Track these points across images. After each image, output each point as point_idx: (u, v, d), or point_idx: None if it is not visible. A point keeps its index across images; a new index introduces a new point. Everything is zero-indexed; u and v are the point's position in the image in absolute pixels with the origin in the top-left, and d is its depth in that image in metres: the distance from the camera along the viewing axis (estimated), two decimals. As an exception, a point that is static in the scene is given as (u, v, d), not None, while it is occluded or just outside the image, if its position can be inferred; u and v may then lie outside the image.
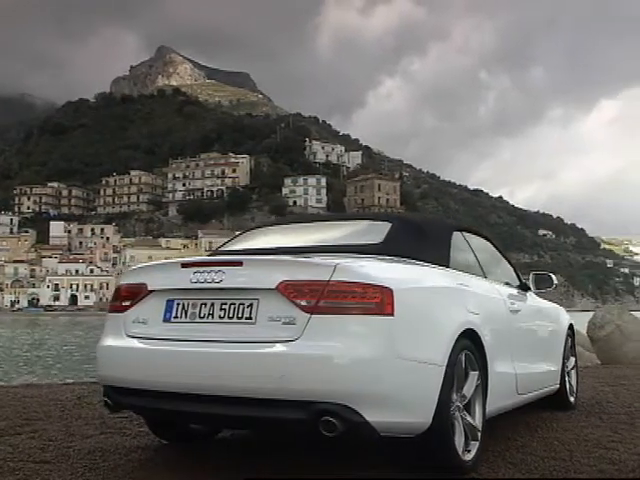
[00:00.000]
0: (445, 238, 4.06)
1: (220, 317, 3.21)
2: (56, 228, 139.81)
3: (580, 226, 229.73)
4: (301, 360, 2.93)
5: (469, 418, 3.42)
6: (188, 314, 3.29)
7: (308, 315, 2.98)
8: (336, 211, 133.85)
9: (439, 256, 3.82)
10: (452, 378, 3.24)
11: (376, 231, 3.90)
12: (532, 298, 4.97)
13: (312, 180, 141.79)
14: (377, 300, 2.99)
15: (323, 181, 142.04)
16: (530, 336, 4.72)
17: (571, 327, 5.64)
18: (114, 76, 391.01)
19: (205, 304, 3.26)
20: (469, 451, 3.37)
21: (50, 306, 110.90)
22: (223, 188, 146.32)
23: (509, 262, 5.05)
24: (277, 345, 2.99)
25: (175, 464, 3.62)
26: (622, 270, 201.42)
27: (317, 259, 3.27)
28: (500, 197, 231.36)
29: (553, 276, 5.16)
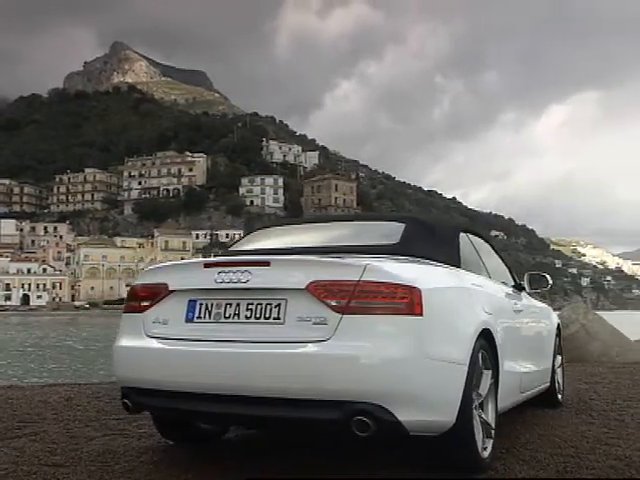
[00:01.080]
0: (454, 239, 4.10)
1: (247, 317, 3.17)
2: (7, 226, 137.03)
3: (530, 227, 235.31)
4: (334, 360, 2.92)
5: (484, 416, 3.47)
6: (212, 314, 3.25)
7: (340, 315, 2.98)
8: (293, 210, 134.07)
9: (451, 256, 3.85)
10: (473, 377, 3.29)
11: (391, 232, 3.93)
12: (526, 298, 5.04)
13: (269, 180, 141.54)
14: (406, 300, 3.00)
15: (280, 181, 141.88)
16: (529, 335, 4.81)
17: (558, 326, 5.78)
18: (67, 72, 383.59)
19: (230, 304, 3.22)
20: (485, 449, 3.43)
21: (1, 306, 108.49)
22: (179, 187, 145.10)
23: (504, 262, 5.10)
24: (309, 345, 2.98)
25: (188, 465, 3.56)
26: (570, 270, 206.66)
27: (347, 259, 3.25)
28: (454, 198, 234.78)
29: (548, 276, 5.20)
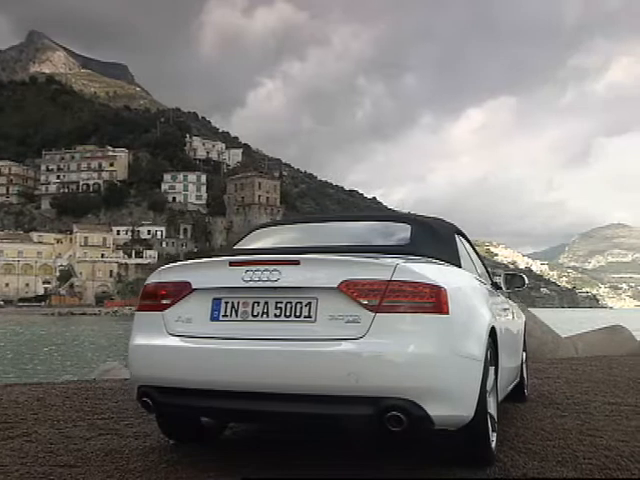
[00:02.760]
0: (453, 239, 4.22)
1: (276, 315, 3.19)
2: None
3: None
4: (369, 357, 2.99)
5: (490, 410, 3.59)
6: (239, 313, 3.26)
7: (372, 314, 3.04)
8: (216, 208, 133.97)
9: (453, 257, 3.96)
10: (486, 373, 3.43)
11: (399, 232, 4.04)
12: (504, 296, 5.16)
13: (192, 177, 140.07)
14: (434, 299, 3.09)
15: (203, 178, 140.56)
16: (512, 332, 4.94)
17: (525, 324, 6.03)
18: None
19: (258, 303, 3.23)
20: (492, 441, 3.57)
21: None
22: (100, 182, 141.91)
23: (483, 262, 5.14)
24: (344, 343, 3.03)
25: (204, 464, 3.55)
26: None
27: (377, 259, 3.32)
28: (374, 198, 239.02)
29: (524, 276, 5.32)
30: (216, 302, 3.33)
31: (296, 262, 3.22)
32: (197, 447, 3.95)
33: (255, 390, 3.11)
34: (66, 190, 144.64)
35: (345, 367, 2.98)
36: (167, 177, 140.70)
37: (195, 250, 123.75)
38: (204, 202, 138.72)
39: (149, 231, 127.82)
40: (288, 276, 3.18)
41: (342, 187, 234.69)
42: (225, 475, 3.33)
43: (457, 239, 4.31)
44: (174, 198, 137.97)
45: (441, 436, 3.32)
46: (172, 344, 3.34)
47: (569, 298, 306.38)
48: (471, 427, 3.25)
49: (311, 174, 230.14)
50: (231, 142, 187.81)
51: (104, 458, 3.70)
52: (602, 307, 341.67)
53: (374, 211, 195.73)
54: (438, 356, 3.06)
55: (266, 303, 3.22)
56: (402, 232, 4.03)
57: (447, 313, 3.10)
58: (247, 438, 4.41)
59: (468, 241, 4.86)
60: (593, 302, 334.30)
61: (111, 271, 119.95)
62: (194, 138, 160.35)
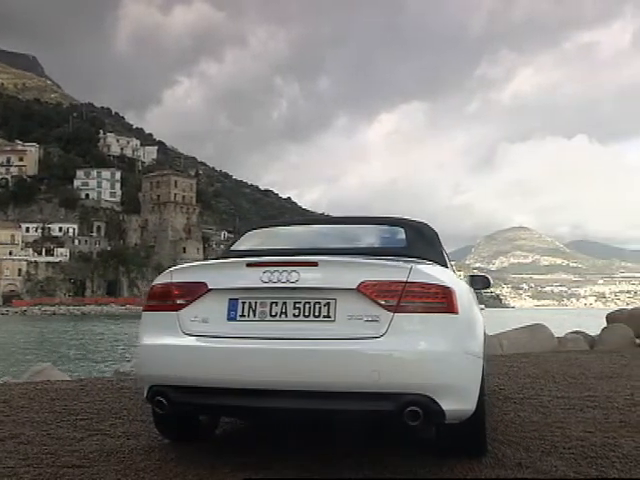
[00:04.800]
0: (439, 242, 4.40)
1: (295, 316, 3.25)
2: None
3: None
4: (390, 355, 3.11)
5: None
6: (257, 313, 3.30)
7: (391, 314, 3.16)
8: (131, 206, 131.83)
9: (441, 259, 4.13)
10: (483, 369, 3.62)
11: (395, 235, 4.21)
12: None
13: (106, 173, 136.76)
14: (446, 300, 3.24)
15: (118, 175, 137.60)
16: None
17: None
18: None
19: (276, 303, 3.28)
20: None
21: None
22: (8, 177, 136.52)
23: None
24: (365, 341, 3.13)
25: (209, 461, 3.59)
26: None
27: (393, 261, 3.45)
28: (289, 198, 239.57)
29: (489, 277, 5.36)
30: (232, 302, 3.38)
31: (314, 263, 3.32)
32: (198, 445, 4.01)
33: (277, 388, 3.18)
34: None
35: (368, 365, 3.10)
36: (80, 173, 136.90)
37: (109, 248, 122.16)
38: (118, 200, 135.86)
39: (60, 228, 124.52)
40: (307, 277, 3.27)
41: (257, 187, 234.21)
42: (239, 470, 3.41)
43: (440, 242, 4.49)
44: (87, 195, 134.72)
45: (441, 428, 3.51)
46: (189, 344, 3.37)
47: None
48: (472, 420, 3.42)
49: (226, 173, 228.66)
50: (146, 139, 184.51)
51: (107, 458, 3.71)
52: (505, 307, 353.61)
53: (288, 211, 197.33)
54: (451, 354, 3.20)
55: (284, 303, 3.29)
56: (397, 235, 4.22)
57: (457, 313, 3.27)
58: (241, 435, 4.49)
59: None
60: (497, 302, 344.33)
61: (20, 269, 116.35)
62: (108, 134, 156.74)
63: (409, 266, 3.33)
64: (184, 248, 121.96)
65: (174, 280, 3.57)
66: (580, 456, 3.78)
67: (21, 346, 37.42)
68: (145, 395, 3.57)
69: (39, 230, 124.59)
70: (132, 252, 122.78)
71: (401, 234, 4.24)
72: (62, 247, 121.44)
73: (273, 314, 3.30)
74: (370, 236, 4.40)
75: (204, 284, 3.45)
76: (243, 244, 4.50)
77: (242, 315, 3.35)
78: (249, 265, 3.41)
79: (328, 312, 3.24)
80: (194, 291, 3.46)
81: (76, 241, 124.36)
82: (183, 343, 3.38)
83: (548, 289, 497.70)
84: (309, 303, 3.27)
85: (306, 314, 3.26)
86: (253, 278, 3.33)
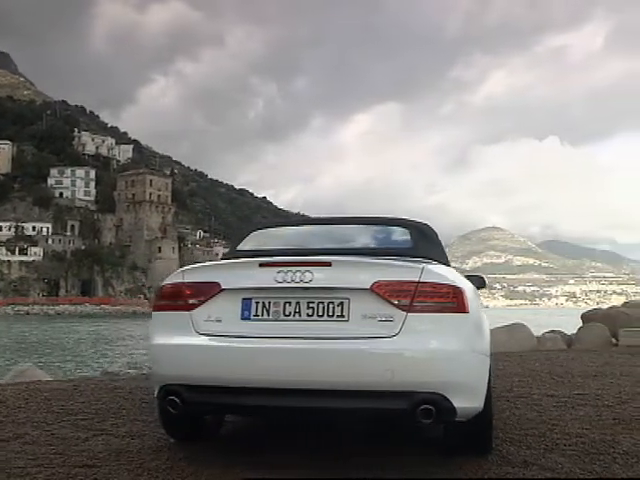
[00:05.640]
0: (440, 242, 4.46)
1: (308, 315, 3.28)
2: None
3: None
4: (404, 354, 3.16)
5: None
6: (270, 312, 3.32)
7: (405, 313, 3.20)
8: (106, 205, 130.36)
9: (444, 258, 4.19)
10: (490, 367, 3.66)
11: (400, 235, 4.26)
12: None
13: (81, 172, 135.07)
14: (457, 300, 3.28)
15: (92, 173, 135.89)
16: None
17: None
18: None
19: (289, 303, 3.30)
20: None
21: None
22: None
23: None
24: (378, 340, 3.17)
25: (221, 461, 3.61)
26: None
27: (405, 261, 3.51)
28: (264, 198, 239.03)
29: (484, 277, 5.35)
30: (246, 302, 3.41)
31: (328, 264, 3.36)
32: (204, 444, 4.03)
33: (292, 387, 3.21)
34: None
35: (383, 364, 3.14)
36: (54, 172, 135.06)
37: (83, 248, 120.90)
38: (93, 198, 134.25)
39: (34, 227, 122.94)
40: (320, 277, 3.31)
41: (232, 186, 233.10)
42: (251, 469, 3.43)
43: (441, 242, 4.55)
44: (61, 194, 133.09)
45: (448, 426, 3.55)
46: (203, 343, 3.39)
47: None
48: (480, 417, 3.47)
49: (202, 172, 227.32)
50: (120, 138, 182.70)
51: (117, 458, 3.70)
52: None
53: (264, 211, 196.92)
54: (463, 353, 3.26)
55: (297, 303, 3.32)
56: (403, 235, 4.28)
57: (468, 312, 3.33)
58: (245, 434, 4.53)
59: None
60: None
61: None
62: (83, 132, 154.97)
63: (421, 266, 3.38)
64: (159, 247, 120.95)
65: (186, 280, 3.58)
66: (582, 453, 3.86)
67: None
68: (156, 394, 3.58)
69: (12, 229, 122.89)
70: (107, 251, 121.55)
71: (406, 234, 4.30)
72: (36, 246, 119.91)
73: (287, 314, 3.33)
74: (376, 236, 4.45)
75: (217, 284, 3.47)
76: (249, 244, 4.51)
77: (256, 315, 3.38)
78: (262, 265, 3.44)
79: (342, 312, 3.27)
80: (207, 291, 3.48)
81: (50, 240, 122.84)
82: (197, 343, 3.40)
83: (520, 289, 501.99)
84: (323, 303, 3.30)
85: (320, 314, 3.29)
86: (267, 278, 3.36)
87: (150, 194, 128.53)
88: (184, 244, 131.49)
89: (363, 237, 4.48)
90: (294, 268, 3.34)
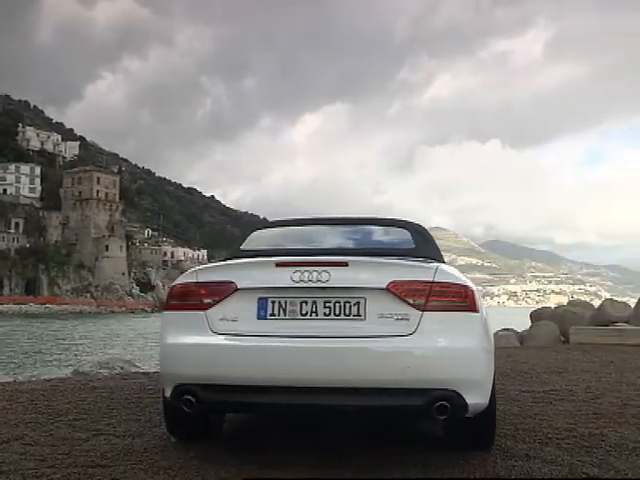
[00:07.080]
0: (435, 241, 4.56)
1: (325, 314, 3.33)
2: None
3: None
4: (420, 353, 3.25)
5: None
6: (287, 311, 3.36)
7: (420, 312, 3.29)
8: (51, 202, 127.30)
9: (441, 257, 4.28)
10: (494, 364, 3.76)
11: (402, 236, 4.35)
12: None
13: (25, 168, 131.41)
14: (468, 299, 3.39)
15: (38, 170, 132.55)
16: None
17: None
18: None
19: (306, 302, 3.34)
20: None
21: None
22: None
23: None
24: (394, 339, 3.25)
25: (234, 459, 3.59)
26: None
27: (419, 262, 3.60)
28: (213, 197, 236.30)
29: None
30: (262, 301, 3.43)
31: (344, 264, 3.42)
32: (210, 443, 4.04)
33: (309, 385, 3.25)
34: None
35: (400, 362, 3.22)
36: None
37: (28, 246, 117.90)
38: (38, 195, 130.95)
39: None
40: (337, 277, 3.36)
41: (181, 184, 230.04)
42: (264, 467, 3.46)
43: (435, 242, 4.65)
44: (5, 190, 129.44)
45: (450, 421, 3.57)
46: (219, 342, 3.40)
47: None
48: (485, 412, 3.57)
49: (149, 170, 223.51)
50: (66, 134, 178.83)
51: (125, 457, 3.68)
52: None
53: (212, 210, 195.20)
54: (474, 350, 3.38)
55: (314, 302, 3.37)
56: (404, 236, 4.37)
57: (478, 311, 3.45)
58: (247, 433, 4.55)
59: None
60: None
61: None
62: (27, 128, 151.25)
63: (435, 266, 3.49)
64: (107, 246, 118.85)
65: (200, 280, 3.60)
66: (576, 446, 3.99)
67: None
68: (169, 394, 3.57)
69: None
70: (52, 250, 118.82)
71: (407, 235, 4.39)
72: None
73: (304, 313, 3.38)
74: (380, 237, 4.55)
75: (232, 283, 3.49)
76: (253, 244, 4.53)
77: (272, 314, 3.41)
78: (279, 265, 3.48)
79: (358, 311, 3.34)
80: (222, 291, 3.50)
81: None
82: (213, 342, 3.41)
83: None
84: (339, 302, 3.36)
85: (337, 313, 3.35)
86: (283, 278, 3.40)
87: (97, 191, 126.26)
88: (132, 242, 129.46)
89: (369, 238, 4.55)
90: (311, 268, 3.38)
